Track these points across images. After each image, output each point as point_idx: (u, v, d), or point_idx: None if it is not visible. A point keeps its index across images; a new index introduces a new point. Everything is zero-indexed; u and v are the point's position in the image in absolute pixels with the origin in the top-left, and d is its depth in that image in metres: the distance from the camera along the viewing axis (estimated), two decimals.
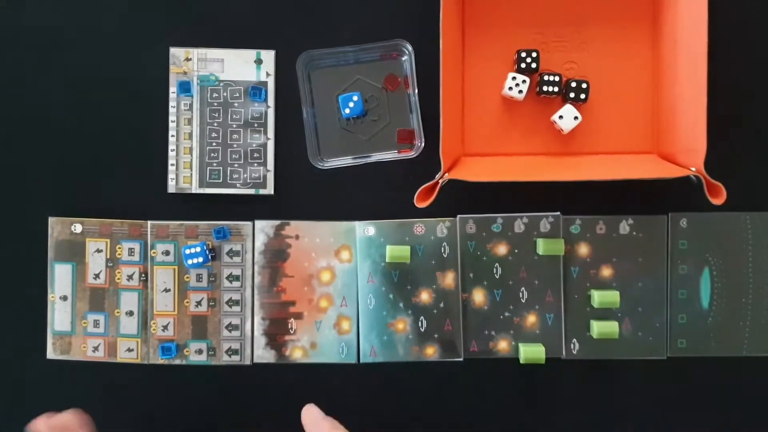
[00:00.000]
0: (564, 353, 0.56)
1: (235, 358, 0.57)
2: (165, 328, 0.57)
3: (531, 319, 0.56)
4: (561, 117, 0.53)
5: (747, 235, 0.55)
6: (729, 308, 0.55)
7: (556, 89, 0.53)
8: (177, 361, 0.57)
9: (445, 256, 0.56)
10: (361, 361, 0.56)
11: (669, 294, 0.55)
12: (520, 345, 0.55)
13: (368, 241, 0.56)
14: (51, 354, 0.57)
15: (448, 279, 0.56)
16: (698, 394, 0.56)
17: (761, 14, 0.56)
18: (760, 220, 0.55)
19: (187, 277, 0.57)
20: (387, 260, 0.55)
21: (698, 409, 0.56)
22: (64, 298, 0.57)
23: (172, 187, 0.56)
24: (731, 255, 0.55)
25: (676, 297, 0.55)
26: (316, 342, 0.56)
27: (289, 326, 0.57)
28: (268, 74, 0.56)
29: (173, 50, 0.56)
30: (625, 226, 0.56)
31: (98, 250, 0.57)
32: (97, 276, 0.57)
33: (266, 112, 0.56)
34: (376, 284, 0.56)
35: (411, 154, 0.54)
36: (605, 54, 0.55)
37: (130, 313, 0.57)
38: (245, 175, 0.56)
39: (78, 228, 0.57)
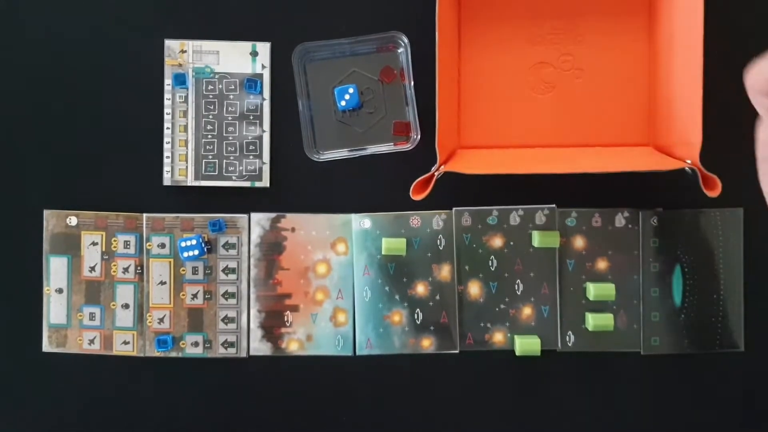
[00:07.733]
0: (559, 345, 0.56)
1: (231, 351, 0.57)
2: (161, 320, 0.57)
3: (526, 311, 0.56)
4: None
5: (717, 231, 0.55)
6: (701, 305, 0.55)
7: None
8: (173, 354, 0.57)
9: (441, 248, 0.56)
10: (357, 353, 0.56)
11: (642, 292, 0.56)
12: (515, 337, 0.56)
13: (364, 233, 0.56)
14: (47, 347, 0.57)
15: (444, 271, 0.56)
16: (684, 388, 0.56)
17: (757, 6, 0.56)
18: (730, 216, 0.55)
19: (183, 270, 0.57)
20: (383, 253, 0.55)
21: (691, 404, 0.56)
22: (60, 291, 0.57)
23: (167, 180, 0.56)
24: (702, 252, 0.55)
25: (649, 295, 0.56)
26: (312, 334, 0.57)
27: (285, 319, 0.57)
28: (263, 66, 0.56)
29: (168, 42, 0.56)
30: (621, 219, 0.56)
31: (93, 243, 0.56)
32: (92, 269, 0.57)
33: (262, 105, 0.56)
34: (372, 277, 0.56)
35: (407, 146, 0.54)
36: (601, 46, 0.55)
37: (126, 306, 0.57)
38: (241, 168, 0.56)
39: (73, 221, 0.56)
